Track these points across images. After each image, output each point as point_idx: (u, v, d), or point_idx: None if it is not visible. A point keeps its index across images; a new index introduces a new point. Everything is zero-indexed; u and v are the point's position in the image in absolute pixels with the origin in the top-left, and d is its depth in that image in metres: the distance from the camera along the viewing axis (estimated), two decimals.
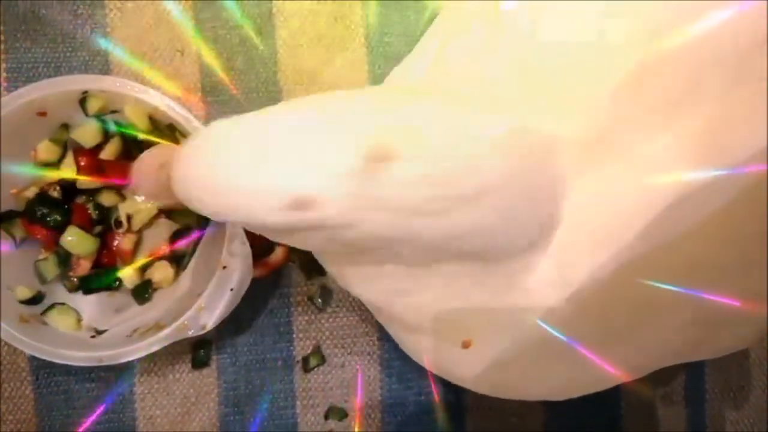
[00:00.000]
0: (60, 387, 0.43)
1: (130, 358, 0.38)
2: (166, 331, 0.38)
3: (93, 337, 0.40)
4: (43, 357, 0.38)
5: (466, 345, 0.33)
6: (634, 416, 0.46)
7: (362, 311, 0.44)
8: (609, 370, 0.33)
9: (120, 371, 0.43)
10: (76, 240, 0.40)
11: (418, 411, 0.45)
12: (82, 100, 0.39)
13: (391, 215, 0.27)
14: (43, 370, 0.43)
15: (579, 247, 0.30)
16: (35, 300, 0.40)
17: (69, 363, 0.38)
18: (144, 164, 0.32)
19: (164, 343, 0.38)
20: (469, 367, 0.34)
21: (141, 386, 0.43)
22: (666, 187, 0.28)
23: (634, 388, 0.46)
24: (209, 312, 0.38)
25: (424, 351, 0.35)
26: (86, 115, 0.40)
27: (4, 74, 0.42)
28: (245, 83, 0.43)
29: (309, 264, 0.44)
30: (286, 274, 0.44)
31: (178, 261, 0.42)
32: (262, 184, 0.26)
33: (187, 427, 0.44)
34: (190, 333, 0.38)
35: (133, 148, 0.41)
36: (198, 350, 0.44)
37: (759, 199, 0.28)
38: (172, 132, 0.40)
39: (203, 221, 0.41)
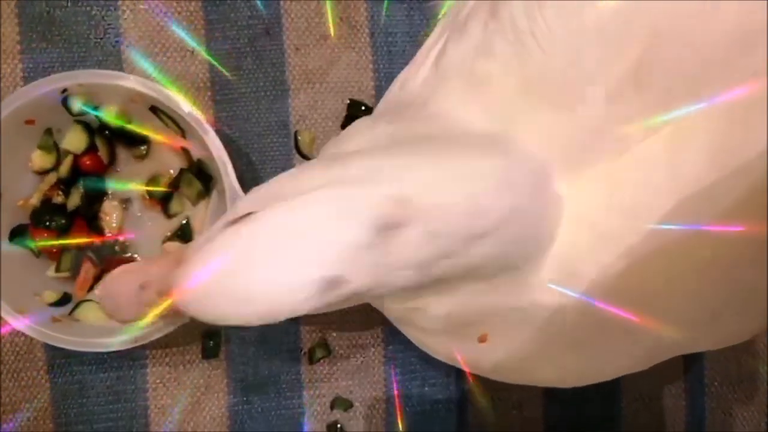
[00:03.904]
0: (75, 377, 0.44)
1: (162, 333, 0.39)
2: None
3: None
4: (80, 349, 0.40)
5: (482, 339, 0.34)
6: (634, 408, 0.47)
7: (367, 304, 0.45)
8: (614, 362, 0.34)
9: (132, 361, 0.45)
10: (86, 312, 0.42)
11: (422, 402, 0.46)
12: (64, 101, 0.40)
13: (412, 270, 0.28)
14: (58, 360, 0.44)
15: (583, 245, 0.30)
16: (63, 301, 0.42)
17: (105, 350, 0.40)
18: (118, 288, 0.30)
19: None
20: (488, 361, 0.35)
21: (153, 376, 0.45)
22: (670, 185, 0.29)
23: (634, 380, 0.47)
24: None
25: (448, 349, 0.36)
26: (71, 114, 0.40)
27: (21, 74, 0.43)
28: (254, 82, 0.44)
29: None
30: None
31: (186, 239, 0.44)
32: (289, 281, 0.27)
33: (197, 416, 0.45)
34: None
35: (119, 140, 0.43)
36: (208, 341, 0.45)
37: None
38: (157, 116, 0.41)
39: (199, 199, 0.43)
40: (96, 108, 0.41)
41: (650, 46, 0.28)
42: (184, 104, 0.39)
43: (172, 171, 0.43)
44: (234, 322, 0.28)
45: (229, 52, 0.44)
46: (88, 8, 0.43)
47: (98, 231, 0.43)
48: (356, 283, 0.27)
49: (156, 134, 0.42)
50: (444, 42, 0.34)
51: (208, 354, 0.45)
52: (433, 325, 0.34)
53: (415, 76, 0.35)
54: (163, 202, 0.43)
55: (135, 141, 0.43)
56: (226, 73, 0.44)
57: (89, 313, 0.42)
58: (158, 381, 0.45)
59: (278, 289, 0.27)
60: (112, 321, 0.41)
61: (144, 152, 0.43)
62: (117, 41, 0.44)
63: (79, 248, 0.43)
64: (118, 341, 0.39)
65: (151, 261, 0.32)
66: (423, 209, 0.28)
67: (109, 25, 0.44)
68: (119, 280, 0.30)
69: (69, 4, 0.43)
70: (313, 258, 0.27)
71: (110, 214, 0.43)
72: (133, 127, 0.42)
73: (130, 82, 0.39)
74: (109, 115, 0.41)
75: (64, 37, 0.43)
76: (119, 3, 0.43)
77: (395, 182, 0.28)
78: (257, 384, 0.45)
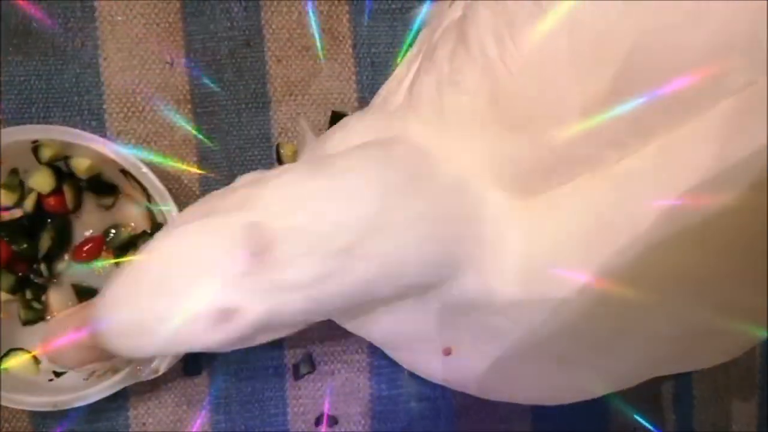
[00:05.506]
0: None
1: (84, 403, 0.39)
2: (120, 375, 0.39)
3: (51, 380, 0.41)
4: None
5: (446, 352, 0.34)
6: (622, 421, 0.47)
7: None
8: (586, 384, 0.33)
9: None
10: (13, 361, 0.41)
11: (408, 418, 0.46)
12: (35, 149, 0.40)
13: (299, 291, 0.28)
14: None
15: (564, 260, 0.30)
16: None
17: (24, 408, 0.40)
18: (58, 334, 0.31)
19: (118, 387, 0.39)
20: (466, 376, 0.35)
21: (134, 394, 0.44)
22: (645, 200, 0.29)
23: (622, 392, 0.46)
24: (161, 356, 0.38)
25: (431, 365, 0.36)
26: (39, 162, 0.40)
27: None
28: (234, 94, 0.44)
29: None
30: None
31: None
32: (182, 311, 0.27)
33: None
34: (143, 377, 0.39)
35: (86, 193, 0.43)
36: (190, 358, 0.44)
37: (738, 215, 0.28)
38: (125, 177, 0.41)
39: None
40: (66, 158, 0.41)
41: (624, 66, 0.28)
42: (153, 177, 0.39)
43: (133, 224, 0.43)
44: (142, 354, 0.29)
45: (209, 64, 0.43)
46: (65, 20, 0.43)
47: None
48: (253, 313, 0.28)
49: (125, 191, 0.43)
50: (417, 67, 0.34)
51: (190, 371, 0.44)
52: (392, 341, 0.34)
53: (396, 93, 0.35)
54: (119, 252, 0.43)
55: (103, 190, 0.43)
56: (207, 86, 0.43)
57: (18, 364, 0.41)
58: (139, 399, 0.44)
59: (173, 319, 0.27)
60: (38, 374, 0.41)
61: (110, 204, 0.43)
62: (95, 54, 0.43)
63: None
64: (36, 401, 0.39)
65: (86, 304, 0.31)
66: (279, 232, 0.28)
67: (86, 37, 0.43)
68: (58, 326, 0.31)
69: (46, 16, 0.42)
70: (198, 289, 0.27)
71: None
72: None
73: (102, 147, 0.38)
74: (79, 167, 0.41)
75: (40, 50, 0.43)
76: (96, 15, 0.43)
77: (251, 209, 0.28)
78: (240, 401, 0.45)
